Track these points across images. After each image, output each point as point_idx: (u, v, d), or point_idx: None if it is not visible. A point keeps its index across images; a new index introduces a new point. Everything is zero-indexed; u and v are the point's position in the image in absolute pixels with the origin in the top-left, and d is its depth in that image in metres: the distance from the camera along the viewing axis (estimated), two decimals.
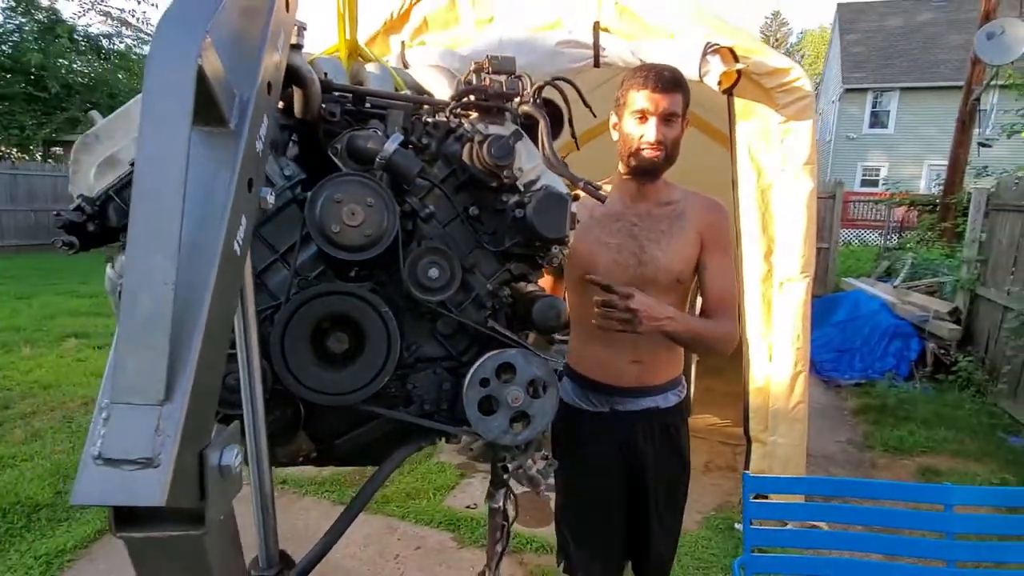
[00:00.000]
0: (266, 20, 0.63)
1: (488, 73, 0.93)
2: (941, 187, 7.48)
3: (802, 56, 45.81)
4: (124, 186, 0.88)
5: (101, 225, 0.88)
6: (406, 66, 3.09)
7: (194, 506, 0.52)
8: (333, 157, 0.95)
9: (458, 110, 0.96)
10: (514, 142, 0.90)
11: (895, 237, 8.04)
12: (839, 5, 23.30)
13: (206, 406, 0.53)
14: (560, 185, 0.96)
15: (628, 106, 1.38)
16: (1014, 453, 3.75)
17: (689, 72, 2.40)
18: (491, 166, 0.91)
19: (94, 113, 0.90)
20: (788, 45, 46.85)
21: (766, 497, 2.02)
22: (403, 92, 1.04)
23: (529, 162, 0.95)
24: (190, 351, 0.48)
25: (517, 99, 0.95)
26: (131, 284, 0.47)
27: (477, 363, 0.95)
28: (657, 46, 2.53)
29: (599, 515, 1.54)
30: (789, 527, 1.99)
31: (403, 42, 3.09)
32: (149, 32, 16.84)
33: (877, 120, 20.57)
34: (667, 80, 1.33)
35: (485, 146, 0.90)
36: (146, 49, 16.37)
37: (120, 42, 16.50)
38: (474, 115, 0.98)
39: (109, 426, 0.46)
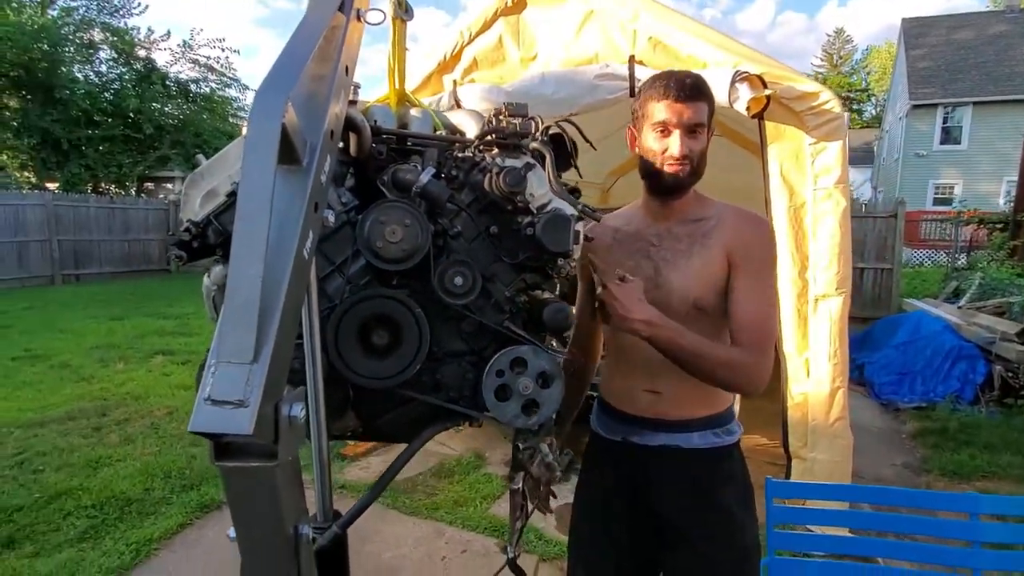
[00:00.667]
0: (330, 84, 0.85)
1: (505, 116, 1.13)
2: (1010, 203, 7.15)
3: (868, 73, 44.30)
4: (220, 213, 1.12)
5: (203, 243, 1.12)
6: (458, 102, 3.37)
7: (269, 444, 0.71)
8: (381, 187, 1.17)
9: (482, 147, 1.16)
10: (525, 172, 1.08)
11: (964, 256, 7.69)
12: (903, 20, 22.58)
13: (281, 369, 0.72)
14: (567, 208, 1.13)
15: (648, 119, 1.25)
16: None
17: (718, 99, 2.54)
18: (506, 193, 1.10)
19: (200, 156, 1.15)
20: (853, 62, 45.45)
21: (802, 502, 2.08)
22: (438, 133, 1.25)
23: (540, 188, 1.13)
24: (271, 327, 0.68)
25: (529, 137, 1.13)
26: (233, 279, 0.68)
27: (494, 357, 1.13)
28: None
29: (600, 547, 1.41)
30: (814, 532, 2.03)
31: (455, 80, 3.37)
32: (231, 76, 18.32)
33: (949, 136, 19.68)
34: (689, 88, 1.21)
35: (501, 176, 1.08)
36: (228, 91, 17.80)
37: (206, 86, 17.97)
38: (496, 150, 1.17)
39: (215, 378, 0.66)
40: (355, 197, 1.19)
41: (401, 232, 1.08)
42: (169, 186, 19.92)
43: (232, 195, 1.11)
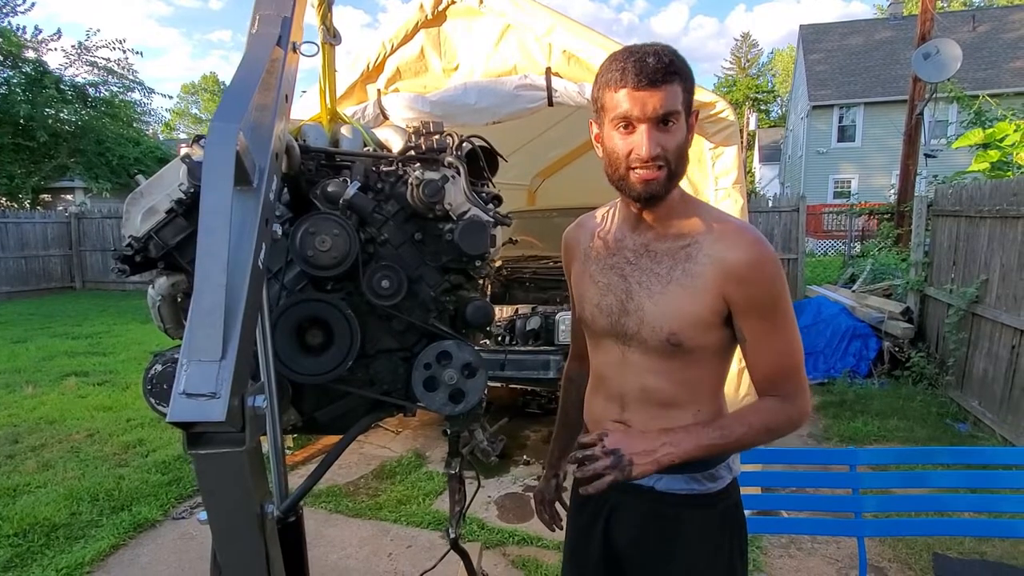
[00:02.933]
0: (273, 112, 0.95)
1: (424, 133, 1.26)
2: (894, 195, 7.98)
3: (773, 75, 47.22)
4: (160, 228, 1.19)
5: (144, 257, 1.19)
6: (383, 111, 3.45)
7: (237, 432, 0.80)
8: (313, 200, 1.27)
9: (405, 161, 1.28)
10: (443, 184, 1.22)
11: (857, 245, 8.50)
12: (801, 26, 24.32)
13: (245, 365, 0.81)
14: (483, 215, 1.27)
15: (607, 112, 1.01)
16: (959, 438, 4.07)
17: None
18: (426, 202, 1.22)
19: (140, 176, 1.22)
20: (759, 65, 48.32)
21: None
22: (367, 148, 1.36)
23: (458, 197, 1.26)
24: (235, 328, 0.78)
25: (446, 152, 1.27)
26: (199, 286, 0.77)
27: (422, 351, 1.25)
28: None
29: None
30: None
31: (379, 90, 3.45)
32: (134, 78, 17.29)
33: (844, 134, 21.40)
34: (654, 69, 0.96)
35: (421, 187, 1.21)
36: (131, 95, 16.70)
37: (106, 90, 16.88)
38: (418, 164, 1.30)
39: (188, 374, 0.75)
40: (289, 210, 1.29)
41: (330, 241, 1.19)
42: (69, 197, 18.57)
43: (171, 212, 1.19)
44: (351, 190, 1.19)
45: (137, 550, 2.86)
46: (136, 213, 1.18)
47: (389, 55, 3.41)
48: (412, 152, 1.27)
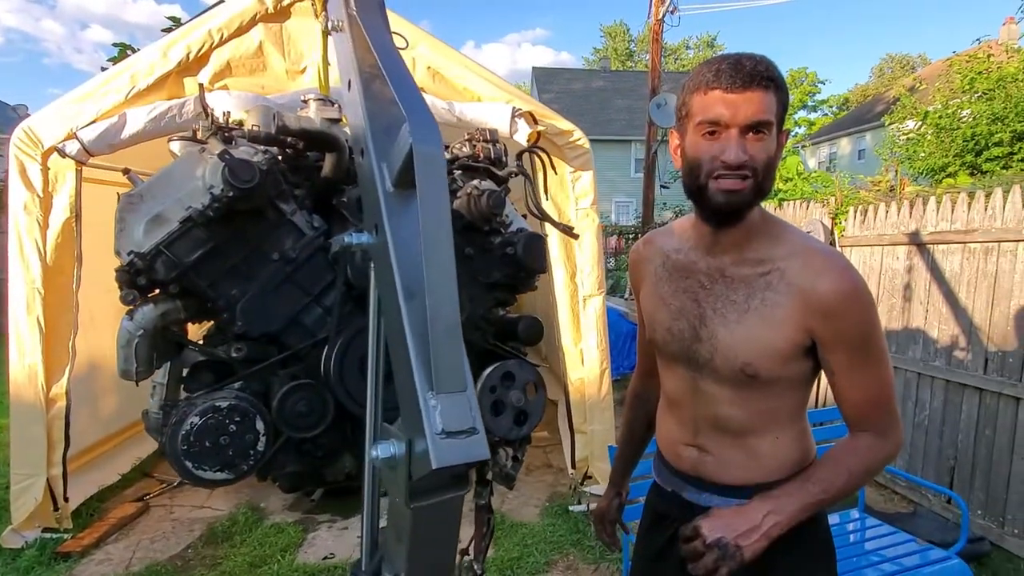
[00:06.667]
0: None
1: (478, 142, 1.19)
2: (639, 219, 9.58)
3: None
4: (172, 242, 0.90)
5: (149, 278, 0.89)
6: (206, 108, 2.96)
7: (462, 471, 0.67)
8: (343, 211, 1.10)
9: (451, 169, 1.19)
10: (505, 195, 1.17)
11: (612, 260, 10.00)
12: (534, 68, 27.67)
13: None
14: (529, 228, 1.25)
15: (693, 117, 0.95)
16: None
17: (501, 130, 2.87)
18: (487, 214, 1.16)
19: (133, 175, 0.90)
20: None
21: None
22: None
23: (508, 210, 1.22)
24: (462, 348, 0.67)
25: (503, 161, 1.22)
26: (435, 306, 0.64)
27: (485, 373, 1.17)
28: (469, 107, 2.95)
29: None
30: None
31: (202, 84, 2.96)
32: None
33: None
34: (750, 74, 0.90)
35: (483, 198, 1.14)
36: None
37: None
38: (458, 173, 1.22)
39: (440, 411, 0.63)
40: (324, 221, 1.09)
41: None
42: None
43: (188, 221, 0.91)
44: None
45: None
46: (136, 222, 0.87)
47: (217, 46, 2.95)
48: (467, 159, 1.18)
